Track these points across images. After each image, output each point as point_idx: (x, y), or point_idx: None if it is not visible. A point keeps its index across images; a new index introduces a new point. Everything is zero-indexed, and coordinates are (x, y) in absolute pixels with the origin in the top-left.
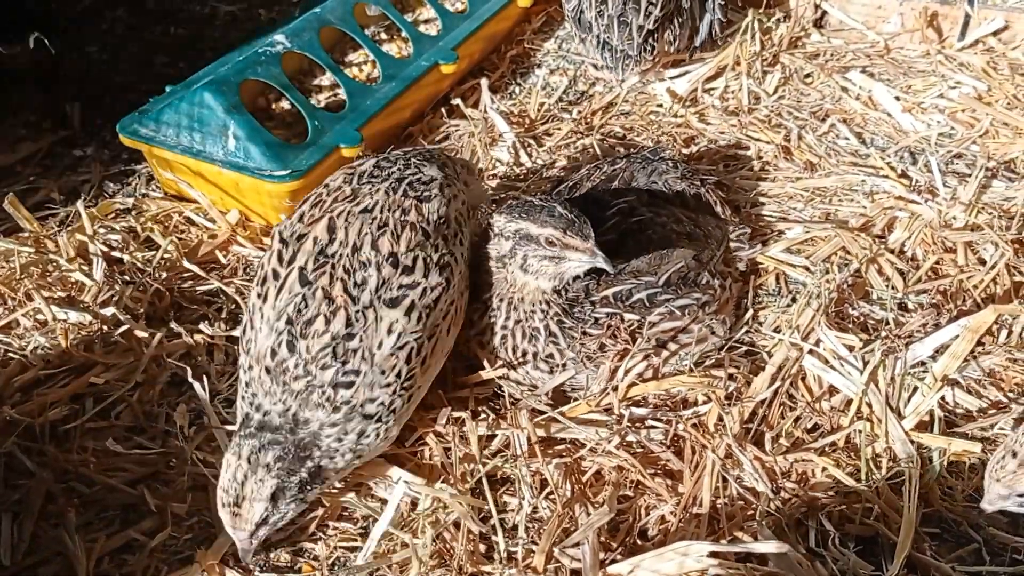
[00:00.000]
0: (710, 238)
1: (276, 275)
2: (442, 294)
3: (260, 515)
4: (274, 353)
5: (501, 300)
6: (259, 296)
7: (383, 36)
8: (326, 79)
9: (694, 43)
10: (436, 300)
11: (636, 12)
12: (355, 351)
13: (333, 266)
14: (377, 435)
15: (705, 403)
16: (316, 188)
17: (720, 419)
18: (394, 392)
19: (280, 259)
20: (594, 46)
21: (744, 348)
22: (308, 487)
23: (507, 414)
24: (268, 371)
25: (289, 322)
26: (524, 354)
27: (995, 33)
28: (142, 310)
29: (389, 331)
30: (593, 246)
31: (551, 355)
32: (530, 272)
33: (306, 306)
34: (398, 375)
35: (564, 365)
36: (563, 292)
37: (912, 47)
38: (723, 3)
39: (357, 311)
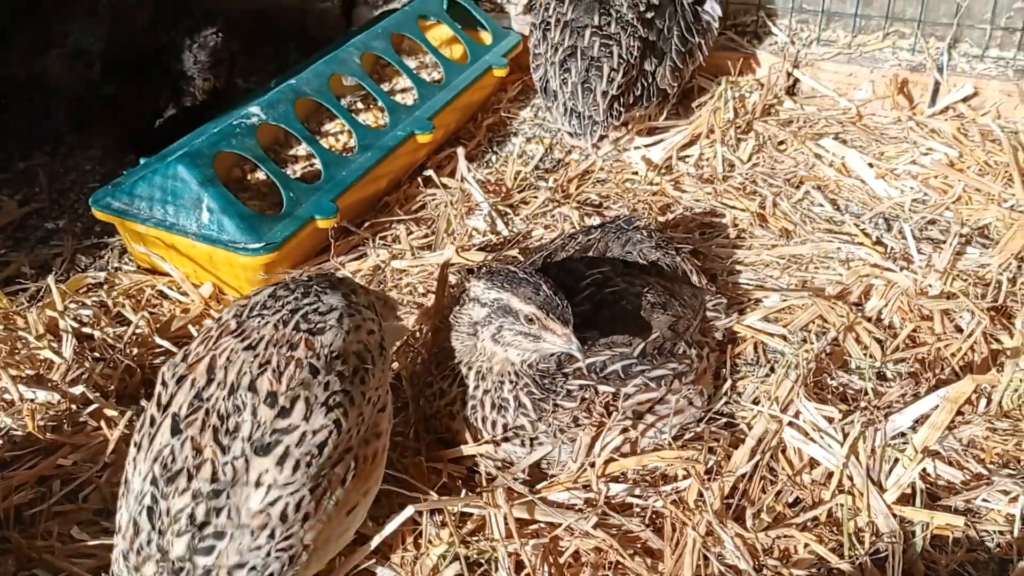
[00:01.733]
0: (686, 308)
1: (152, 422)
2: (328, 438)
3: None
4: (136, 527)
5: (469, 368)
6: (135, 445)
7: (359, 106)
8: (302, 149)
9: (664, 102)
10: (321, 446)
11: (599, 78)
12: (220, 510)
13: (207, 411)
14: None
15: (685, 478)
16: (208, 322)
17: (700, 495)
18: (268, 555)
19: (158, 404)
20: (561, 113)
21: (723, 420)
22: None
23: (483, 492)
24: (128, 549)
25: (154, 481)
26: (494, 425)
27: (965, 100)
28: (112, 388)
29: (258, 483)
30: (571, 332)
31: (522, 427)
32: (501, 344)
33: (173, 459)
34: (271, 535)
35: (535, 438)
36: (534, 363)
37: (884, 114)
38: (673, 64)
39: (226, 462)
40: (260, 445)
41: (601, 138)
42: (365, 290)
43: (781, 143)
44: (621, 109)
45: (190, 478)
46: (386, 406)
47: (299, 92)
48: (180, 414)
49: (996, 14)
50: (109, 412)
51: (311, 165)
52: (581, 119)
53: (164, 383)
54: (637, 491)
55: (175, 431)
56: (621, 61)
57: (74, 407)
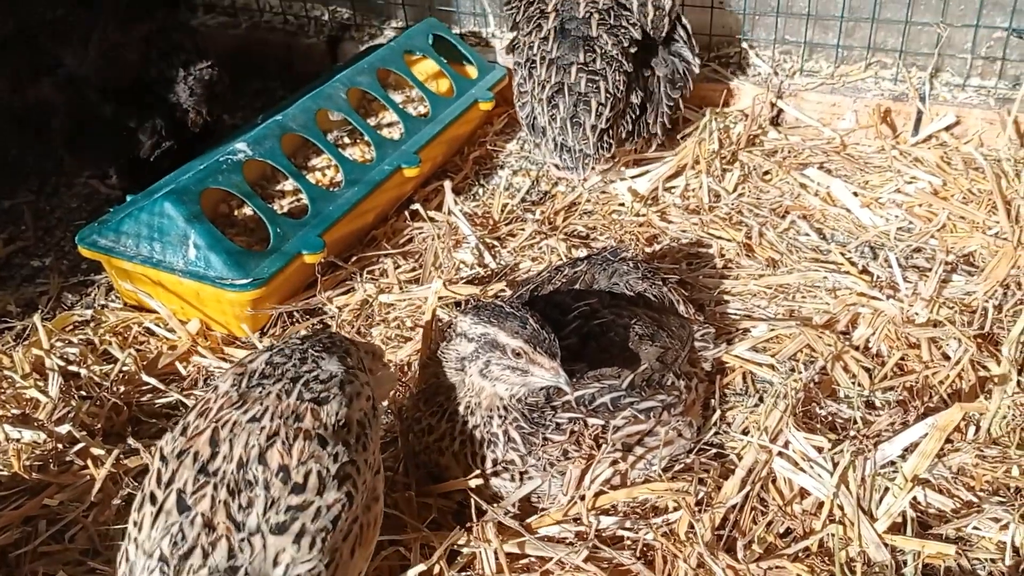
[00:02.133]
0: (674, 338)
1: (154, 499)
2: (342, 512)
3: None
4: None
5: (457, 403)
6: (135, 524)
7: (346, 140)
8: (288, 184)
9: (650, 140)
10: (335, 520)
11: (587, 113)
12: None
13: (215, 486)
14: None
15: (675, 510)
16: (204, 393)
17: (691, 526)
18: None
19: (159, 480)
20: (551, 149)
21: (713, 451)
22: None
23: (473, 527)
24: None
25: (163, 559)
26: (483, 460)
27: (947, 128)
28: (99, 426)
29: (276, 562)
30: (558, 365)
31: (511, 461)
32: (489, 378)
33: (183, 537)
34: None
35: (525, 472)
36: (522, 398)
37: (867, 143)
38: (669, 96)
39: (242, 539)
40: (277, 523)
41: (593, 171)
42: (354, 344)
43: (766, 173)
44: (611, 142)
45: (205, 555)
46: (380, 467)
47: (285, 128)
48: (186, 490)
49: (976, 44)
50: (96, 451)
51: (298, 200)
52: (572, 153)
53: (163, 458)
54: (628, 524)
55: (182, 508)
56: (608, 96)
57: (60, 446)
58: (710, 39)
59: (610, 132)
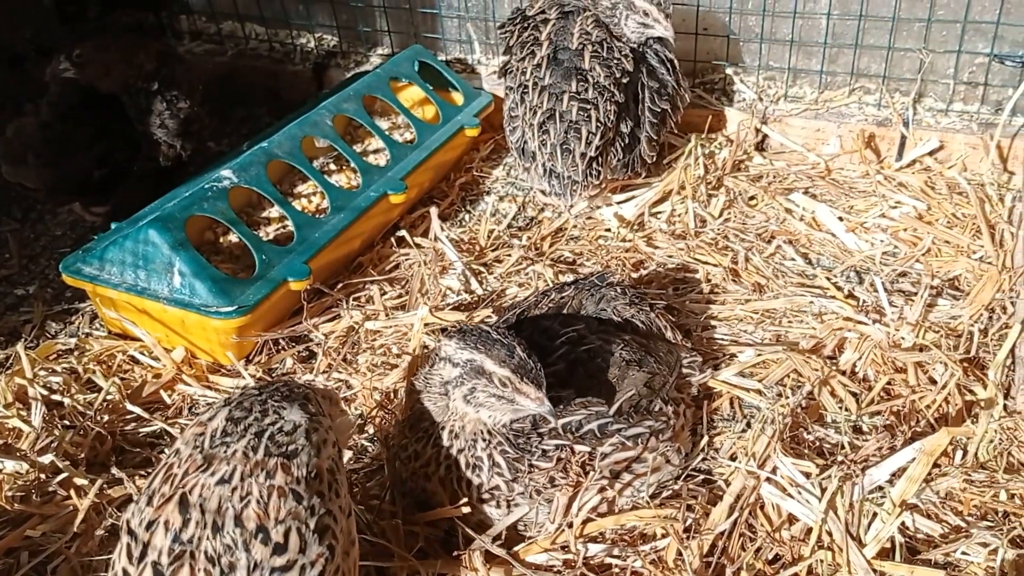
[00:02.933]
0: (662, 364)
1: None
2: (326, 565)
3: None
4: None
5: (442, 428)
6: None
7: (332, 167)
8: (274, 211)
9: (636, 166)
10: (320, 575)
11: (578, 140)
12: None
13: (192, 555)
14: None
15: (663, 537)
16: (166, 456)
17: (679, 554)
18: None
19: (130, 556)
20: (540, 174)
21: (701, 476)
22: None
23: (460, 555)
24: None
25: None
26: (469, 485)
27: (931, 153)
28: (83, 455)
29: None
30: (543, 395)
31: (497, 487)
32: (473, 404)
33: None
34: None
35: (512, 499)
36: (507, 423)
37: (852, 168)
38: (653, 122)
39: None
40: None
41: (582, 197)
42: (312, 390)
43: (752, 198)
44: (600, 169)
45: None
46: (351, 510)
47: (271, 155)
48: (161, 562)
49: (959, 69)
50: (79, 481)
51: (284, 227)
52: (561, 179)
53: (131, 532)
54: (616, 551)
55: None
56: (599, 125)
57: (43, 476)
58: (695, 65)
59: (599, 160)
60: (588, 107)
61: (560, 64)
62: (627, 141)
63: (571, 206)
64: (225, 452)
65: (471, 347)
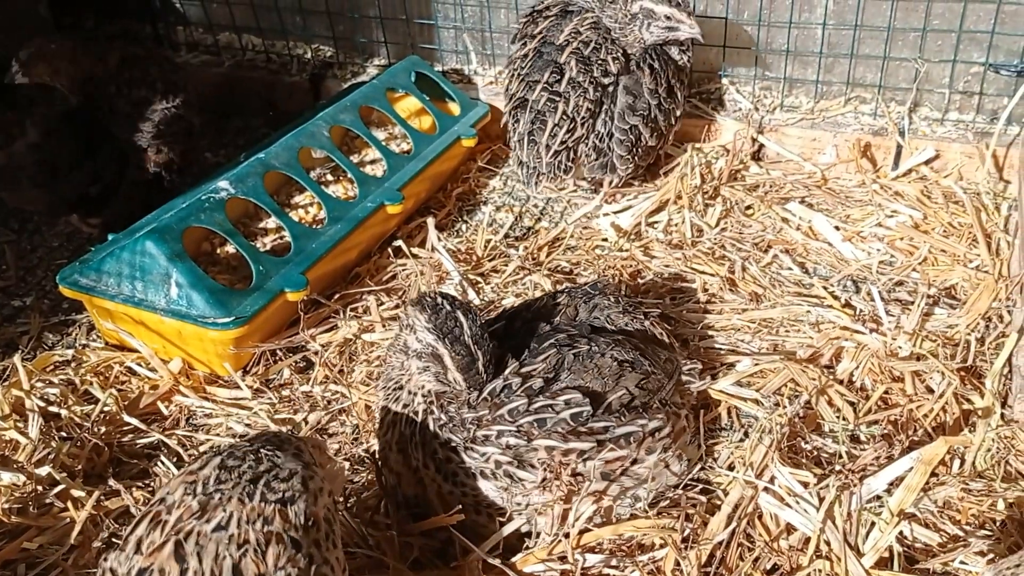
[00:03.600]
0: (657, 367)
1: None
2: None
3: None
4: None
5: (399, 389)
6: None
7: (329, 178)
8: (271, 222)
9: (614, 170)
10: None
11: (542, 131)
12: None
13: None
14: None
15: (662, 547)
16: (151, 504)
17: (677, 564)
18: None
19: None
20: (515, 160)
21: (699, 486)
22: None
23: (457, 566)
24: None
25: None
26: (430, 449)
27: (927, 162)
28: (79, 467)
29: None
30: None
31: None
32: (424, 374)
33: None
34: None
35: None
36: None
37: (848, 177)
38: (623, 129)
39: None
40: None
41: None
42: (302, 440)
43: (748, 208)
44: (570, 164)
45: None
46: (346, 566)
47: (268, 165)
48: None
49: (954, 79)
50: (76, 492)
51: (281, 238)
52: (525, 168)
53: None
54: (614, 561)
55: None
56: (565, 118)
57: (40, 488)
58: (690, 75)
59: (568, 154)
60: (557, 100)
61: (541, 56)
62: (603, 143)
63: (538, 193)
64: (220, 499)
65: (436, 334)
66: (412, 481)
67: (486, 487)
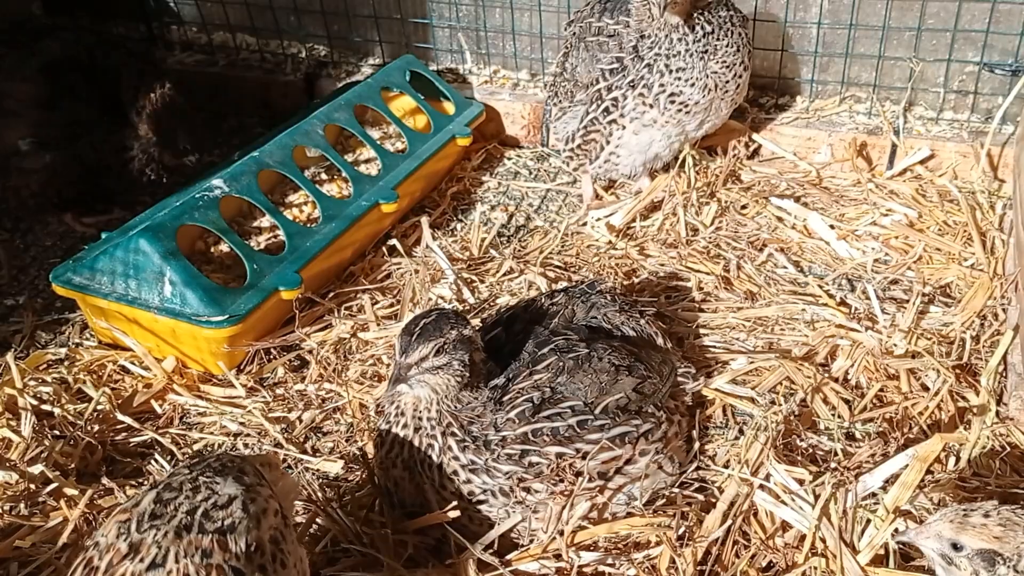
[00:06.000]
0: (652, 371)
1: None
2: None
3: None
4: None
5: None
6: None
7: (323, 176)
8: (265, 221)
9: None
10: None
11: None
12: None
13: None
14: None
15: (657, 545)
16: (85, 548)
17: (673, 562)
18: None
19: None
20: None
21: (695, 484)
22: None
23: (452, 564)
24: None
25: None
26: (428, 468)
27: (922, 161)
28: (73, 466)
29: None
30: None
31: (455, 472)
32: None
33: None
34: None
35: (475, 495)
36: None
37: (843, 176)
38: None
39: None
40: None
41: None
42: (245, 460)
43: (743, 207)
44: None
45: None
46: (306, 572)
47: (262, 164)
48: None
49: (949, 78)
50: (69, 491)
51: (275, 236)
52: None
53: None
54: (609, 559)
55: None
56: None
57: (33, 487)
58: None
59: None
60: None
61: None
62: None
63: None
64: (155, 536)
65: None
66: (411, 489)
67: (500, 502)
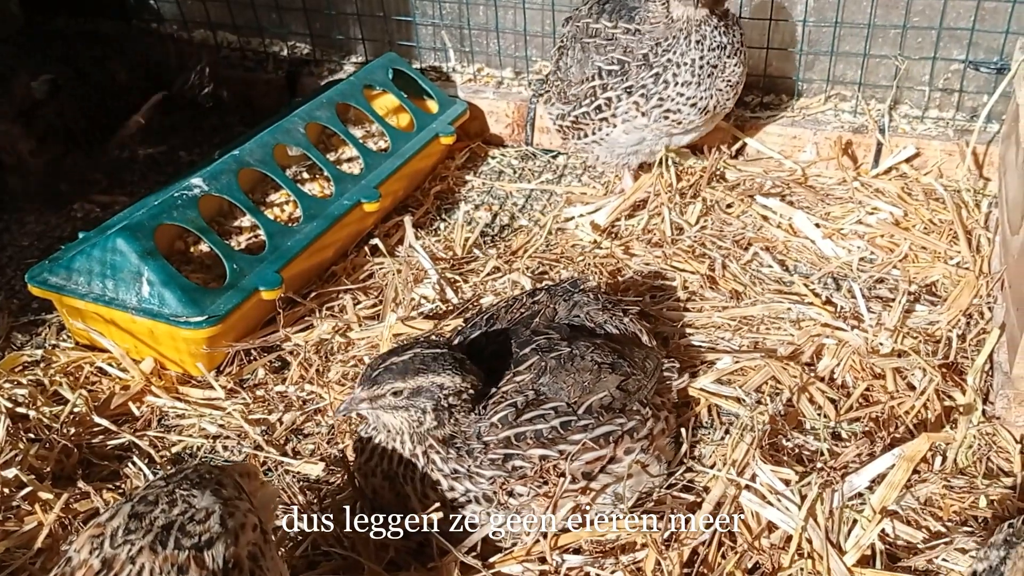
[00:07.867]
0: (636, 368)
1: None
2: None
3: None
4: None
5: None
6: None
7: (305, 175)
8: (246, 220)
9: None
10: None
11: None
12: None
13: None
14: None
15: (642, 547)
16: (60, 563)
17: (658, 564)
18: None
19: None
20: None
21: (680, 485)
22: None
23: (434, 567)
24: None
25: None
26: (411, 479)
27: (907, 160)
28: (48, 469)
29: None
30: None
31: (438, 482)
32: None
33: None
34: None
35: (458, 501)
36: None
37: (829, 175)
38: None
39: None
40: None
41: None
42: (224, 471)
43: (728, 206)
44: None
45: None
46: None
47: (243, 163)
48: None
49: (934, 76)
50: (44, 495)
51: (256, 236)
52: None
53: None
54: (594, 562)
55: None
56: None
57: (7, 491)
58: None
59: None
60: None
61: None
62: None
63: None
64: (129, 551)
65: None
66: (392, 497)
67: (483, 507)
